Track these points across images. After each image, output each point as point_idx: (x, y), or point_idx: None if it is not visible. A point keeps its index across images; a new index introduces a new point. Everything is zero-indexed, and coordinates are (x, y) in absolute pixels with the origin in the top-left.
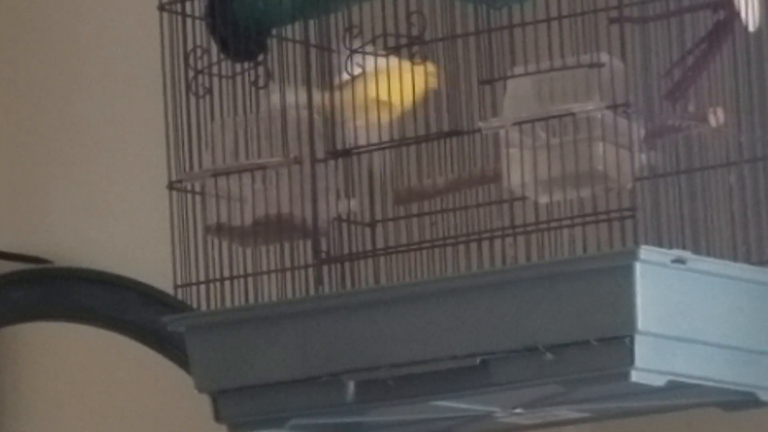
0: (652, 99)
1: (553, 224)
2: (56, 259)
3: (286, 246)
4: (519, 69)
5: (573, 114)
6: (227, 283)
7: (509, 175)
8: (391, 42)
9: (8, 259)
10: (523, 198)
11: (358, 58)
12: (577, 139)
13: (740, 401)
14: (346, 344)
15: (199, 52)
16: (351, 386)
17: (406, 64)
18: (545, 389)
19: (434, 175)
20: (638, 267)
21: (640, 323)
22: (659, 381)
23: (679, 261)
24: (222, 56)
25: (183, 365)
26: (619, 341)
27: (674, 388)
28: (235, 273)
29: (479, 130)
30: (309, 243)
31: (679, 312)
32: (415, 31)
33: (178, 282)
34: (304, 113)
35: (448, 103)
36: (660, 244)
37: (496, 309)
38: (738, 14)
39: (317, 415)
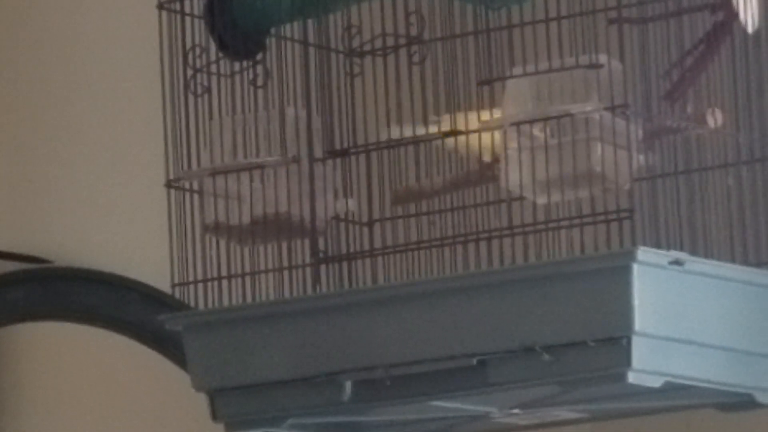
0: (650, 100)
1: (551, 225)
2: (56, 259)
3: (284, 245)
4: (518, 69)
5: (571, 115)
6: (225, 282)
7: (508, 176)
8: (390, 42)
9: (8, 259)
10: (522, 198)
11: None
12: (576, 140)
13: (737, 402)
14: (344, 344)
15: (197, 50)
16: (348, 386)
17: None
18: (542, 390)
19: (432, 175)
20: (636, 268)
21: (638, 324)
22: (656, 382)
23: (677, 262)
24: (221, 55)
25: (183, 365)
26: (616, 342)
27: (671, 389)
28: (232, 272)
29: (479, 130)
30: (307, 242)
31: (677, 313)
32: (413, 31)
33: (176, 280)
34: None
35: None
36: (658, 245)
37: (494, 309)
38: (736, 15)
39: (314, 415)
